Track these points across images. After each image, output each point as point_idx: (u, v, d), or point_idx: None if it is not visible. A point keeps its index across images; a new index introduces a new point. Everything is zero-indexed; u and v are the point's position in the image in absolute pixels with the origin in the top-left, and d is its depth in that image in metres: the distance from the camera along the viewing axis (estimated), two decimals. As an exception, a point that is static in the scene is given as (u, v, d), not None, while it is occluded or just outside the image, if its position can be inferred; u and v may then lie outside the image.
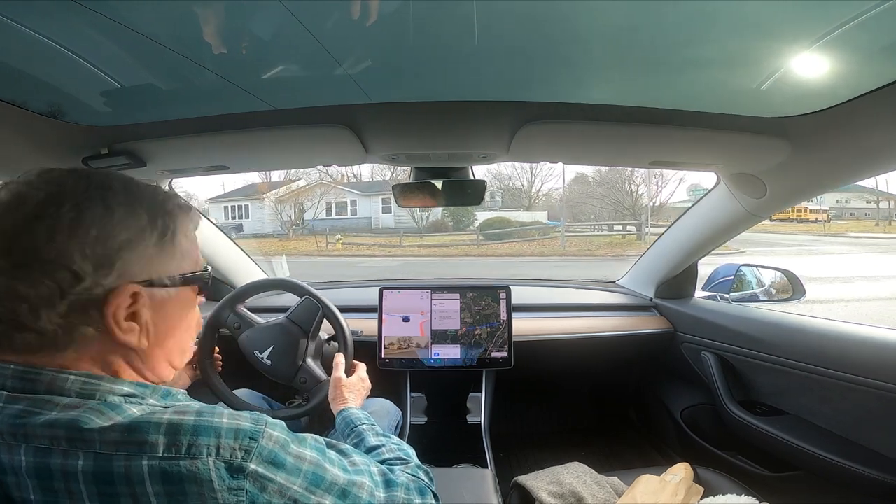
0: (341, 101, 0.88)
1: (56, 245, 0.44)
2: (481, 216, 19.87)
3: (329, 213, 21.37)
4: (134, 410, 0.47)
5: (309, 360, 1.20)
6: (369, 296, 1.65)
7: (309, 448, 0.55)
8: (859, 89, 0.72)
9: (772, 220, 22.33)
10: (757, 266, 1.84)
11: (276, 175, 21.78)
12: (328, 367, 1.17)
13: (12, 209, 0.44)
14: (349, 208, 21.53)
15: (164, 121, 0.94)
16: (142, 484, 0.43)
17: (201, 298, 0.62)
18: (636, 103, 0.87)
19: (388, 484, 0.63)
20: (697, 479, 1.15)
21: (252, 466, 0.48)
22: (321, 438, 0.60)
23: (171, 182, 1.36)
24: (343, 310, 1.23)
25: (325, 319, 1.24)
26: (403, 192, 1.27)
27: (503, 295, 1.57)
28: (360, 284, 2.17)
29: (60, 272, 0.44)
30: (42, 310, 0.44)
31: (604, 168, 18.22)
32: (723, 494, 1.07)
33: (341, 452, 0.62)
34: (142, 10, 0.58)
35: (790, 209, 22.04)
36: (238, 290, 1.27)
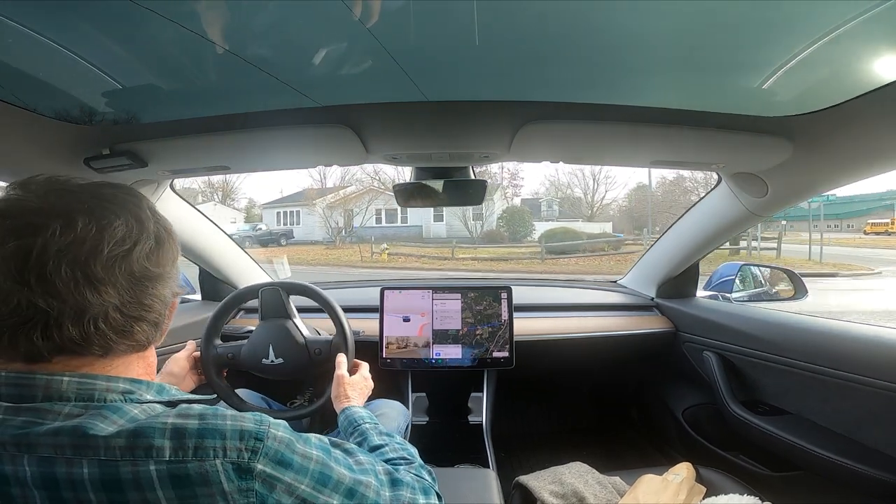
0: (342, 101, 0.88)
1: (161, 263, 0.53)
2: (540, 227, 18.25)
3: (378, 220, 20.26)
4: (136, 412, 0.48)
5: (308, 334, 1.20)
6: (370, 295, 1.65)
7: (314, 447, 0.55)
8: (861, 88, 0.72)
9: (866, 234, 21.44)
10: (758, 266, 1.84)
11: (330, 180, 21.67)
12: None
13: (132, 237, 0.50)
14: (399, 216, 20.15)
15: (166, 121, 0.94)
16: (153, 489, 0.44)
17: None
18: (637, 103, 0.87)
19: (394, 483, 0.63)
20: (699, 478, 1.15)
21: (260, 467, 0.48)
22: (325, 438, 0.60)
23: (172, 182, 1.36)
24: (344, 310, 1.23)
25: (291, 296, 1.23)
26: (404, 192, 1.27)
27: (504, 295, 1.57)
28: (361, 284, 2.18)
29: (173, 284, 0.56)
30: (164, 311, 0.55)
31: (675, 172, 16.89)
32: (725, 494, 1.07)
33: (346, 451, 0.62)
34: (143, 11, 0.58)
35: (890, 221, 21.38)
36: (207, 328, 1.21)
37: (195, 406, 0.51)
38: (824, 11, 0.56)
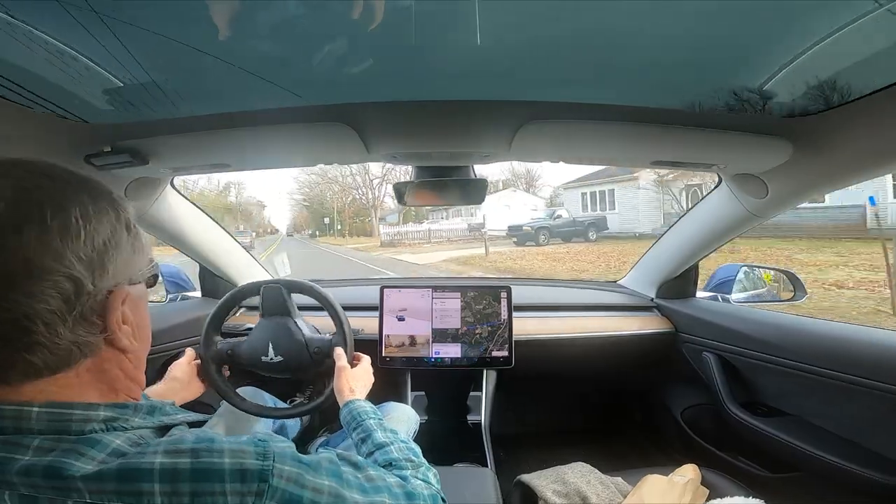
0: (343, 100, 0.88)
1: (52, 252, 0.41)
2: None
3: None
4: (119, 442, 0.44)
5: (308, 332, 1.19)
6: (370, 294, 1.65)
7: (325, 475, 0.51)
8: (862, 90, 0.72)
9: None
10: (758, 267, 1.84)
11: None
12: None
13: None
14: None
15: (167, 119, 0.94)
16: None
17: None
18: (638, 103, 0.87)
19: (409, 497, 0.61)
20: (702, 480, 1.15)
21: None
22: (334, 456, 0.56)
23: (173, 179, 1.36)
24: (344, 308, 1.23)
25: (292, 294, 1.22)
26: (404, 190, 1.27)
27: (504, 294, 1.57)
28: (360, 283, 2.18)
29: (63, 282, 0.41)
30: (58, 325, 0.42)
31: None
32: (728, 497, 1.06)
33: (355, 466, 0.59)
34: (145, 7, 0.58)
35: None
36: (207, 325, 1.20)
37: (187, 436, 0.46)
38: (825, 13, 0.56)
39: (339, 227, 40.66)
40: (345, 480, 0.53)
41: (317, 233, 45.76)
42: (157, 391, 1.01)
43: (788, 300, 1.69)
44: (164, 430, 0.49)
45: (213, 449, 0.44)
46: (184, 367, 1.09)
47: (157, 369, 1.08)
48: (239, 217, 45.72)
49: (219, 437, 0.46)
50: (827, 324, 1.32)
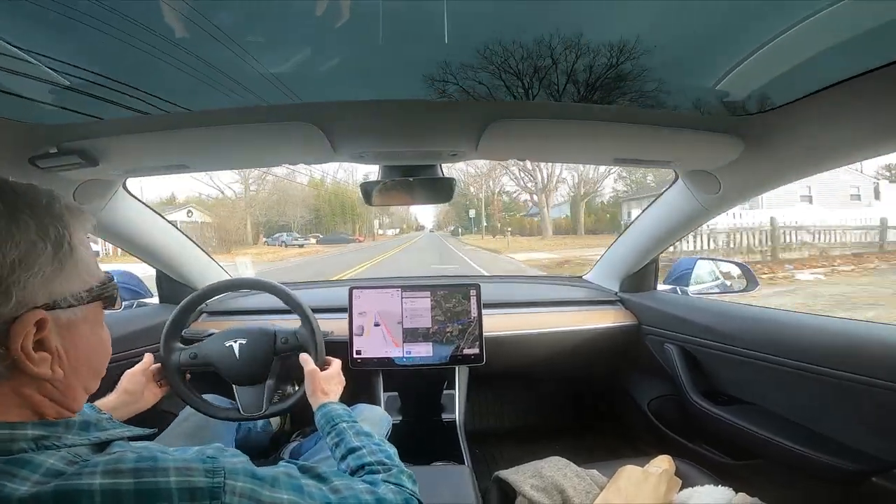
0: (309, 99, 0.87)
1: None
2: None
3: None
4: (52, 461, 0.41)
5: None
6: (338, 295, 1.63)
7: (283, 489, 0.49)
8: (806, 90, 0.76)
9: None
10: (714, 259, 1.92)
11: None
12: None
13: None
14: None
15: (119, 118, 0.89)
16: None
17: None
18: (600, 101, 0.89)
19: (380, 503, 0.60)
20: (676, 471, 1.18)
21: None
22: (293, 470, 0.54)
23: (125, 182, 1.30)
24: (313, 310, 1.21)
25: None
26: (372, 190, 1.26)
27: (473, 292, 1.58)
28: (329, 284, 2.14)
29: None
30: None
31: None
32: (695, 486, 1.09)
33: (319, 478, 0.57)
34: (93, 2, 0.55)
35: None
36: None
37: (128, 454, 0.43)
38: (775, 14, 0.60)
39: (484, 223, 31.74)
40: (306, 493, 0.51)
41: (460, 230, 37.72)
42: (108, 403, 0.96)
43: (742, 291, 1.78)
44: (102, 446, 0.46)
45: (157, 468, 0.41)
46: (136, 377, 1.03)
47: (115, 380, 1.02)
48: (373, 211, 40.71)
49: (163, 454, 0.44)
50: (780, 313, 1.39)
